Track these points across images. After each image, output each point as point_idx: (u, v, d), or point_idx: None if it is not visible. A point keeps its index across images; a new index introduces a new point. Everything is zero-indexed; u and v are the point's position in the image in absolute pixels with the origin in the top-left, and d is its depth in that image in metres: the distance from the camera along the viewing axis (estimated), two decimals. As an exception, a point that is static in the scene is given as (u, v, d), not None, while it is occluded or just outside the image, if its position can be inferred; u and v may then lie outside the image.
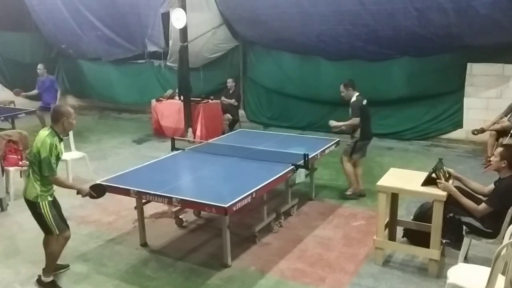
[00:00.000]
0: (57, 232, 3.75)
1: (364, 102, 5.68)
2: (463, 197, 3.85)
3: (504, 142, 6.53)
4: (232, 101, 9.39)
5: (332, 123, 5.80)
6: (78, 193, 3.87)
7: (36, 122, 9.59)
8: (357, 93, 5.72)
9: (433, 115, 8.54)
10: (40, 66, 9.60)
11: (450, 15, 7.23)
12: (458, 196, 3.84)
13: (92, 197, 3.88)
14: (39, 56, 11.62)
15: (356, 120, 5.61)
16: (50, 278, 3.91)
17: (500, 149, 3.88)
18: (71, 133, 6.61)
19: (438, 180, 3.85)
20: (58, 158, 3.71)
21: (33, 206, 3.70)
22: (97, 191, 3.87)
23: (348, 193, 5.84)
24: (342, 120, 5.81)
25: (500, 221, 3.65)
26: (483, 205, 3.76)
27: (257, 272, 4.13)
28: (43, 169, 3.60)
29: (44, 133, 3.69)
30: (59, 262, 4.11)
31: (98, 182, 4.04)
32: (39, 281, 3.94)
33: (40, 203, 3.66)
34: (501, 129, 6.94)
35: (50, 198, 3.75)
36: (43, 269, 3.92)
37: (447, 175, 4.02)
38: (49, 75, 9.69)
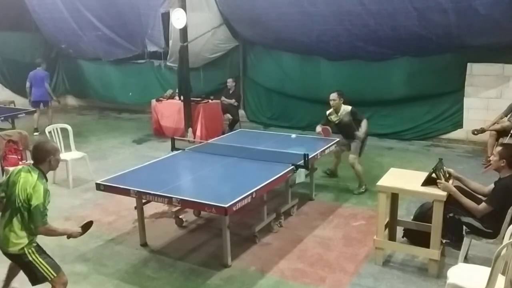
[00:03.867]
0: (54, 275, 3.21)
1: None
2: (463, 197, 3.85)
3: (504, 142, 6.53)
4: (232, 101, 9.39)
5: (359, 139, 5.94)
6: (69, 237, 3.36)
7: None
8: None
9: (433, 115, 8.54)
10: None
11: (450, 15, 7.23)
12: (458, 196, 3.84)
13: (81, 234, 3.43)
14: (39, 56, 11.61)
15: (365, 122, 5.93)
16: None
17: (499, 148, 3.87)
18: (71, 133, 6.61)
19: (438, 180, 3.85)
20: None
21: (18, 258, 3.18)
22: (87, 227, 3.49)
23: (362, 190, 5.98)
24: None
25: (500, 221, 3.65)
26: (483, 204, 3.76)
27: (257, 272, 4.13)
28: (35, 219, 3.06)
29: (32, 176, 3.11)
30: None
31: (86, 221, 3.52)
32: None
33: (27, 252, 3.14)
34: (501, 129, 6.94)
35: (35, 244, 3.22)
36: None
37: (447, 175, 4.02)
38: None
